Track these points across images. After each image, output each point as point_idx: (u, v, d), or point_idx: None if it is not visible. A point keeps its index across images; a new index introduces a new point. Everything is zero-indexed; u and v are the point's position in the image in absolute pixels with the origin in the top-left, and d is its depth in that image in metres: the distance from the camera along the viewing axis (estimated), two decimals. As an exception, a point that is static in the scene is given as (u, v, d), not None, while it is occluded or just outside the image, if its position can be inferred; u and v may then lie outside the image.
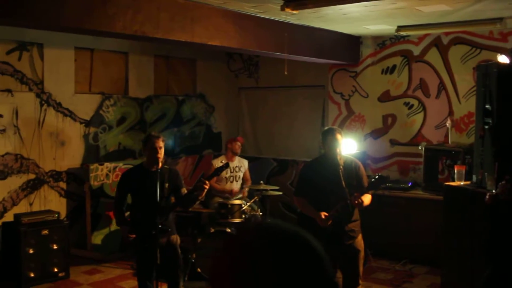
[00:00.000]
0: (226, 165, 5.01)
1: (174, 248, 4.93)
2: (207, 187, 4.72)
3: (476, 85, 5.77)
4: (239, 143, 7.77)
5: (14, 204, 7.25)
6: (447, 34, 7.75)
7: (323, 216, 4.79)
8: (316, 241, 1.15)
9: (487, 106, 5.16)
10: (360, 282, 5.05)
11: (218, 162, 7.51)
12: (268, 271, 1.06)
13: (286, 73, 6.83)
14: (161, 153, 4.83)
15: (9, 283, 6.53)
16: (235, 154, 7.73)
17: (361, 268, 5.05)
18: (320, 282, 1.11)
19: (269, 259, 1.07)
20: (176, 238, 4.99)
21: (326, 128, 5.33)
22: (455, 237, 5.50)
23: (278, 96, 9.68)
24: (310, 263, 1.11)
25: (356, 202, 4.74)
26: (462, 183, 5.60)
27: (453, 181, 6.02)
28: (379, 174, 5.02)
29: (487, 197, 4.50)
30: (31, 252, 6.52)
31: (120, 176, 5.15)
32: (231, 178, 7.72)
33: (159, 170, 4.74)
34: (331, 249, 4.72)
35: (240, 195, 7.61)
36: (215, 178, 7.48)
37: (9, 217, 6.98)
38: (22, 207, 7.29)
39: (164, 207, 4.79)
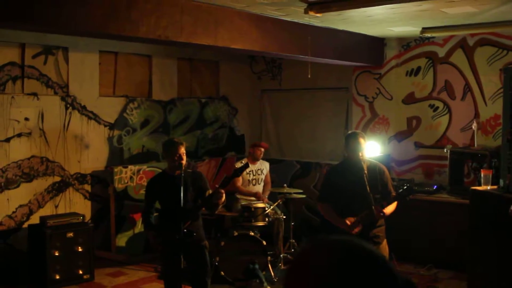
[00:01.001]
0: (246, 165, 5.01)
1: (203, 254, 4.92)
2: (222, 197, 4.76)
3: (503, 88, 5.68)
4: (262, 149, 7.72)
5: (40, 206, 7.35)
6: (472, 35, 7.65)
7: (348, 223, 4.77)
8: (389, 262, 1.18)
9: (514, 109, 5.08)
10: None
11: (240, 165, 7.51)
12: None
13: (309, 76, 6.81)
14: (184, 160, 4.84)
15: (35, 285, 6.61)
16: (256, 159, 7.71)
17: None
18: None
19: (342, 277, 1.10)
20: (205, 244, 4.98)
21: (349, 132, 5.30)
22: (481, 242, 5.42)
23: (301, 98, 9.63)
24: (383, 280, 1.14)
25: (381, 214, 4.72)
26: (488, 187, 5.52)
27: (479, 185, 5.94)
28: (407, 184, 4.95)
29: (510, 209, 4.43)
30: (57, 254, 6.59)
31: (145, 180, 5.18)
32: (254, 180, 7.70)
33: (182, 174, 4.74)
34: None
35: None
36: (240, 181, 7.49)
37: (35, 219, 7.07)
38: (47, 210, 7.38)
39: (189, 210, 4.79)
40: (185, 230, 4.67)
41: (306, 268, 1.14)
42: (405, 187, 4.74)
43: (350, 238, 1.19)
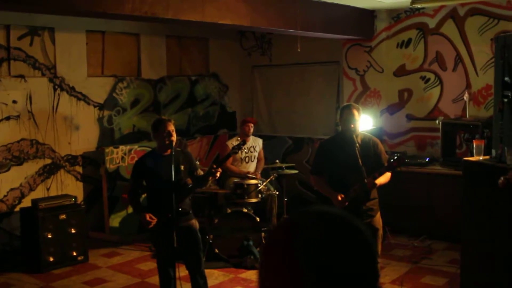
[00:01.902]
0: (243, 142, 4.97)
1: (194, 233, 4.90)
2: (218, 174, 4.71)
3: (494, 58, 5.63)
4: (250, 124, 7.68)
5: (32, 189, 7.30)
6: (463, 5, 7.57)
7: (339, 198, 4.75)
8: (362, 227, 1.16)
9: (506, 78, 5.03)
10: (379, 260, 5.01)
11: (232, 143, 7.47)
12: (317, 253, 1.07)
13: (299, 50, 6.74)
14: (174, 136, 4.77)
15: (29, 267, 6.59)
16: (246, 135, 7.67)
17: (379, 246, 5.02)
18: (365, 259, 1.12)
19: (319, 241, 1.08)
20: (195, 223, 4.96)
21: (344, 104, 5.27)
22: (475, 213, 5.42)
23: (292, 73, 9.57)
24: (358, 244, 1.13)
25: (373, 186, 4.72)
26: (481, 157, 5.49)
27: (472, 155, 5.92)
28: (398, 154, 4.93)
29: (499, 180, 4.42)
30: (50, 236, 6.56)
31: (133, 164, 5.08)
32: (247, 158, 7.67)
33: (173, 153, 4.68)
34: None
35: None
36: (230, 160, 7.45)
37: (26, 202, 7.03)
38: (39, 192, 7.34)
39: (182, 189, 4.75)
40: (180, 209, 4.66)
41: (283, 239, 1.12)
42: (396, 157, 4.72)
43: (336, 211, 1.16)
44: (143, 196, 5.10)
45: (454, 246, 6.62)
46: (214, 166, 4.70)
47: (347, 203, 4.74)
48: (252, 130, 7.71)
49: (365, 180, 4.69)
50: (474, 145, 5.74)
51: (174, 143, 4.74)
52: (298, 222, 1.14)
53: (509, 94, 5.00)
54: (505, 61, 5.07)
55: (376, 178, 4.71)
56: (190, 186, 4.86)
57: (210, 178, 4.80)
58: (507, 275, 4.85)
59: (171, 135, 4.74)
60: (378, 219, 4.99)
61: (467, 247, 5.58)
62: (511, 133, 4.90)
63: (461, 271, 5.63)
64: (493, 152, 5.30)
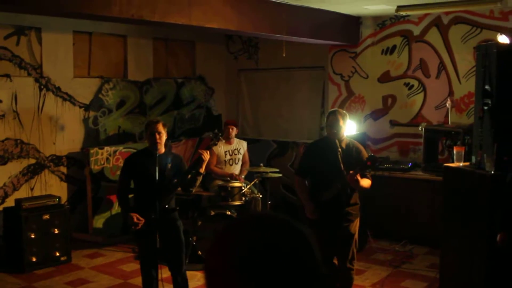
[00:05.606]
0: (221, 134, 5.11)
1: (178, 233, 4.94)
2: (206, 156, 4.80)
3: (476, 66, 5.73)
4: (230, 127, 7.68)
5: (15, 189, 7.28)
6: (447, 13, 7.69)
7: (311, 210, 4.91)
8: (309, 232, 1.15)
9: (486, 87, 5.12)
10: (354, 264, 5.09)
11: (216, 146, 7.52)
12: (259, 264, 1.05)
13: (284, 55, 6.80)
14: (161, 138, 4.83)
15: (12, 267, 6.57)
16: (227, 139, 7.70)
17: (354, 251, 5.09)
18: (311, 272, 1.10)
19: (262, 250, 1.07)
20: (180, 224, 5.00)
21: (331, 109, 5.39)
22: (455, 218, 5.50)
23: (278, 77, 9.63)
24: (302, 254, 1.11)
25: (355, 179, 4.72)
26: (461, 164, 5.59)
27: (453, 162, 6.01)
28: (372, 154, 5.02)
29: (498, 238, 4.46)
30: (33, 237, 6.56)
31: (122, 161, 5.15)
32: (231, 161, 7.71)
33: (156, 150, 4.77)
34: (328, 232, 4.79)
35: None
36: (214, 162, 7.50)
37: (10, 202, 7.01)
38: (23, 192, 7.32)
39: (166, 188, 4.80)
40: (166, 206, 4.73)
41: (227, 243, 1.12)
42: (369, 156, 4.82)
43: (281, 216, 1.15)
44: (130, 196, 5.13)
45: (435, 251, 6.71)
46: (200, 151, 4.85)
47: (317, 217, 4.87)
48: (233, 132, 7.73)
49: (344, 183, 4.79)
50: (455, 152, 5.83)
51: (159, 145, 4.81)
52: (240, 230, 1.13)
53: (489, 102, 5.09)
54: (486, 69, 5.16)
55: (352, 176, 4.74)
56: (174, 183, 4.89)
57: (199, 171, 4.85)
58: (485, 280, 4.93)
59: (155, 137, 4.80)
60: (355, 225, 5.08)
61: (446, 252, 5.66)
62: (490, 140, 4.99)
63: (440, 275, 5.71)
64: (473, 158, 5.39)
